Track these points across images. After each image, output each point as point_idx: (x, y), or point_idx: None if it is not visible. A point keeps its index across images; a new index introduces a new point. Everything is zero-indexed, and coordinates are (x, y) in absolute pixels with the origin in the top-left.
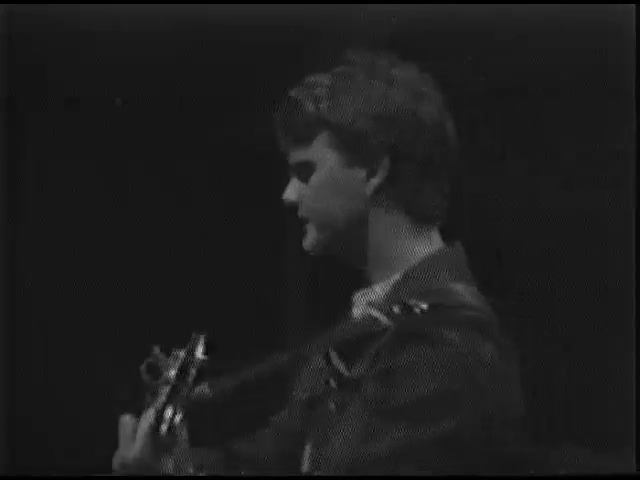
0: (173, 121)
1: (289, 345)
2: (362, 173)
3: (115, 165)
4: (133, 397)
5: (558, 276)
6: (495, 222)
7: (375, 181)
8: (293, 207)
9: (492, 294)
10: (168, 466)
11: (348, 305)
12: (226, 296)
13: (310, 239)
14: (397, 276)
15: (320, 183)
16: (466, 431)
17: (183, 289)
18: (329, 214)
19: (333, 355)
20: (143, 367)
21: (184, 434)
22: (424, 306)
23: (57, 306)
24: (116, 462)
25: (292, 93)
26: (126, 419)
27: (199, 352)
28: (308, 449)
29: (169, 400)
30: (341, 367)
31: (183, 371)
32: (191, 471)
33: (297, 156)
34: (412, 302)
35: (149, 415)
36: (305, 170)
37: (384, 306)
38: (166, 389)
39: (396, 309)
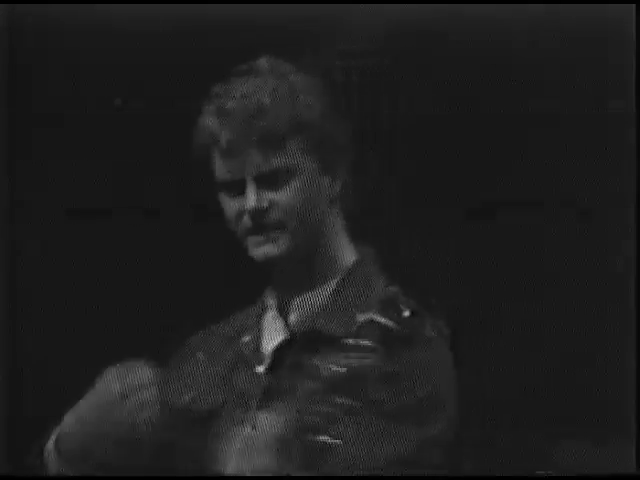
0: (173, 121)
1: None
2: (328, 178)
3: (115, 165)
4: None
5: (555, 276)
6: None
7: (337, 187)
8: (259, 214)
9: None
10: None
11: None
12: (229, 297)
13: (282, 246)
14: (334, 282)
15: (300, 189)
16: (452, 430)
17: (184, 288)
18: (305, 220)
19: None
20: None
21: None
22: (407, 313)
23: (57, 306)
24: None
25: (244, 100)
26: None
27: None
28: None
29: None
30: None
31: None
32: None
33: (269, 163)
34: (400, 307)
35: None
36: (280, 176)
37: (378, 311)
38: None
39: (390, 313)
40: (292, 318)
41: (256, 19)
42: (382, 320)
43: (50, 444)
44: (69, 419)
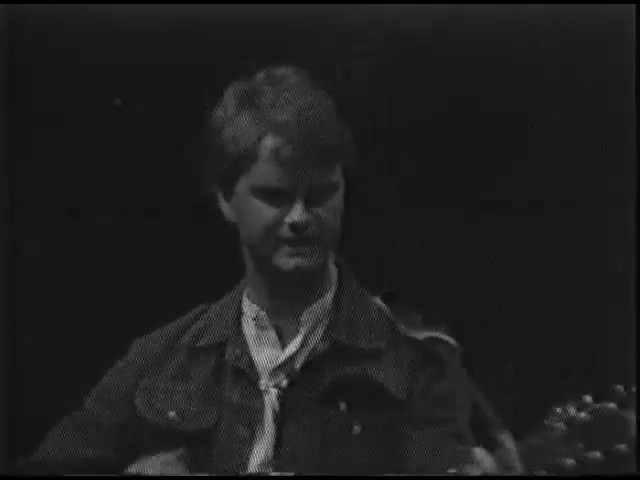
0: (173, 121)
1: None
2: (344, 191)
3: (115, 165)
4: None
5: (553, 277)
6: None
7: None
8: (302, 228)
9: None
10: None
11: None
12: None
13: (315, 260)
14: (330, 294)
15: (338, 204)
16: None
17: (184, 288)
18: (336, 235)
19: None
20: None
21: None
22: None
23: (57, 306)
24: None
25: (303, 115)
26: None
27: None
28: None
29: None
30: (392, 388)
31: None
32: None
33: (322, 179)
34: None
35: None
36: (326, 192)
37: (421, 328)
38: None
39: (449, 331)
40: (301, 331)
41: (255, 19)
42: (447, 338)
43: None
44: None
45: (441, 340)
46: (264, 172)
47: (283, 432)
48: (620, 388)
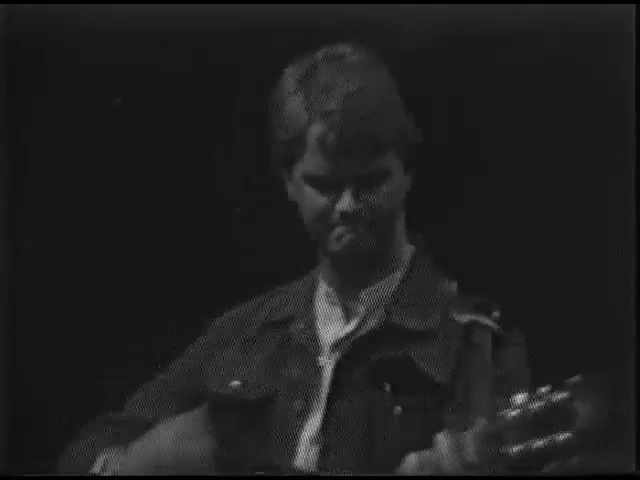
0: (173, 121)
1: None
2: (408, 177)
3: (115, 165)
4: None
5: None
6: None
7: (410, 182)
8: (354, 215)
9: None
10: None
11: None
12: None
13: (368, 243)
14: (398, 274)
15: (391, 190)
16: None
17: (184, 288)
18: (391, 219)
19: (420, 361)
20: None
21: None
22: (497, 313)
23: (57, 306)
24: None
25: (349, 102)
26: None
27: None
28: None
29: None
30: (434, 372)
31: None
32: None
33: (370, 166)
34: (492, 309)
35: None
36: (377, 178)
37: (474, 313)
38: None
39: (496, 314)
40: (361, 310)
41: (256, 19)
42: (488, 322)
43: (96, 470)
44: (122, 458)
45: (479, 324)
46: (312, 160)
47: (333, 408)
48: (574, 379)
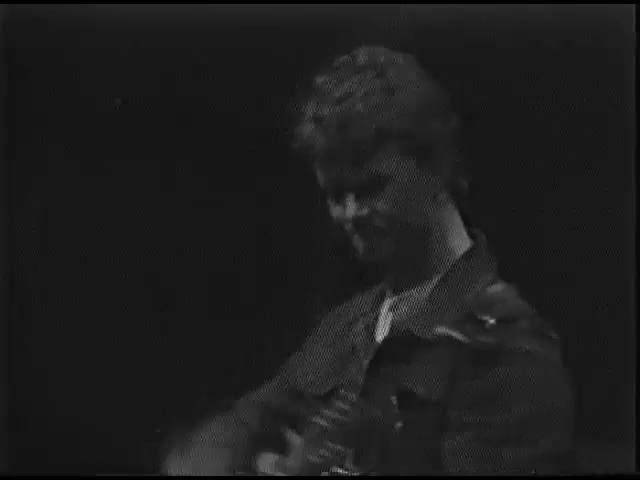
0: (174, 122)
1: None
2: (431, 174)
3: (115, 165)
4: (134, 399)
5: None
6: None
7: (442, 180)
8: (361, 222)
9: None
10: None
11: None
12: (237, 293)
13: (385, 252)
14: (435, 279)
15: (399, 192)
16: (561, 447)
17: (185, 289)
18: (407, 223)
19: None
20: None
21: None
22: (493, 321)
23: (57, 306)
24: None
25: (335, 108)
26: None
27: None
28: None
29: None
30: (421, 391)
31: None
32: None
33: (366, 172)
34: (482, 317)
35: None
36: (377, 183)
37: (455, 323)
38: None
39: (469, 326)
40: (395, 316)
41: (257, 19)
42: (456, 335)
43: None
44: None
45: (451, 337)
46: (318, 172)
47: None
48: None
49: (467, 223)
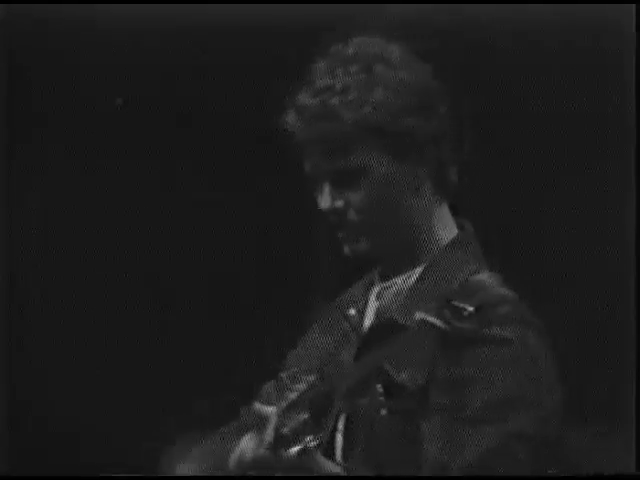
0: (174, 122)
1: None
2: (411, 167)
3: (115, 165)
4: (134, 398)
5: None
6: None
7: (424, 173)
8: (336, 214)
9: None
10: None
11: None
12: (239, 293)
13: (364, 246)
14: (420, 268)
15: (375, 186)
16: (540, 429)
17: (185, 289)
18: (387, 216)
19: (390, 367)
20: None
21: None
22: (471, 309)
23: (57, 306)
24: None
25: (313, 99)
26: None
27: None
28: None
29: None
30: (403, 378)
31: None
32: None
33: (339, 164)
34: (460, 305)
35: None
36: (351, 176)
37: (435, 310)
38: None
39: (447, 313)
40: (381, 303)
41: (257, 19)
42: (433, 320)
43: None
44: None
45: (429, 322)
46: (303, 163)
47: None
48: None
49: (455, 214)
